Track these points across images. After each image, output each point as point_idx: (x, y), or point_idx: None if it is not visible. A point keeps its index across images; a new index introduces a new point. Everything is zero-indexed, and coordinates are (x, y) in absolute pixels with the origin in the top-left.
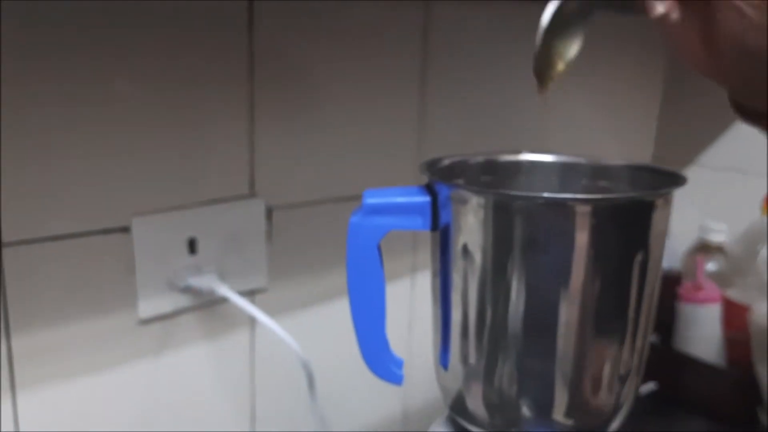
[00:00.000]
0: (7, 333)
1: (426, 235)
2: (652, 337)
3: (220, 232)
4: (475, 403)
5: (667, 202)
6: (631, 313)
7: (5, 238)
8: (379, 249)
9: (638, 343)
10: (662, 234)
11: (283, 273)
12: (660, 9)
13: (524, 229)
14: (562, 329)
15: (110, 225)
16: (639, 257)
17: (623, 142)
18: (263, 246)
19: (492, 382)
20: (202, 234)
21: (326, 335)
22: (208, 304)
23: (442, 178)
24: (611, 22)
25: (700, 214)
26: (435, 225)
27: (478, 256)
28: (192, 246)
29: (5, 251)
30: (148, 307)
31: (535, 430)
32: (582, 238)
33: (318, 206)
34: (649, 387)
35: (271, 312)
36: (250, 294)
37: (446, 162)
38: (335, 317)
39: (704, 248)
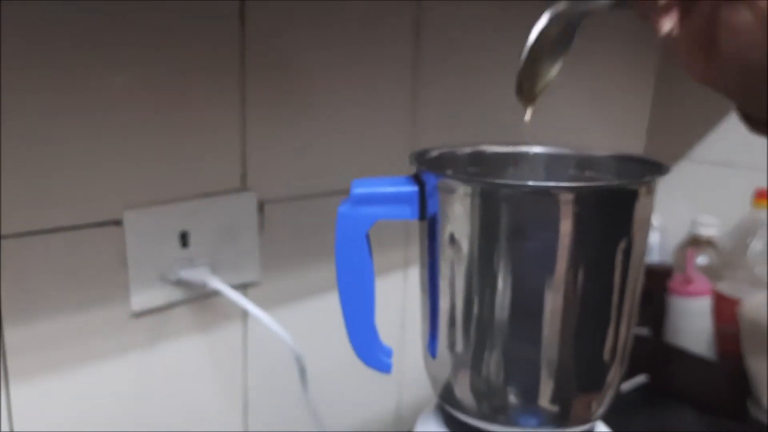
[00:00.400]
0: None
1: (418, 229)
2: (644, 330)
3: (212, 226)
4: (463, 391)
5: (650, 190)
6: (615, 300)
7: None
8: (367, 238)
9: (622, 330)
10: (645, 222)
11: (276, 266)
12: (667, 27)
13: (510, 217)
14: (547, 316)
15: (102, 218)
16: (622, 245)
17: (615, 137)
18: (255, 239)
19: (479, 370)
20: (194, 227)
21: (319, 328)
22: (201, 297)
23: (429, 169)
24: (603, 19)
25: (692, 209)
26: (423, 214)
27: (464, 245)
28: (184, 239)
29: None
30: (140, 300)
31: (521, 417)
32: (566, 226)
33: (310, 200)
34: (640, 379)
35: (263, 305)
36: (242, 287)
37: (434, 153)
38: (328, 310)
39: (695, 242)
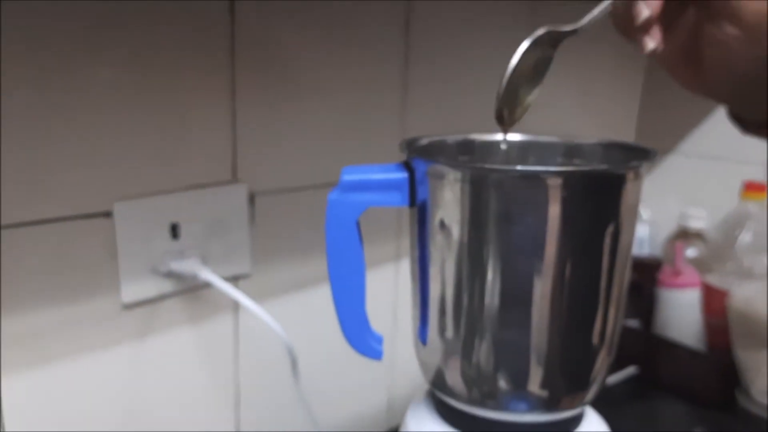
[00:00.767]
0: None
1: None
2: (634, 323)
3: (202, 218)
4: (454, 377)
5: (638, 175)
6: (603, 286)
7: None
8: (358, 226)
9: (611, 315)
10: (633, 208)
11: (267, 258)
12: (651, 45)
13: (499, 202)
14: (536, 301)
15: (92, 210)
16: (611, 229)
17: (604, 131)
18: (246, 231)
19: (469, 356)
20: (184, 219)
21: (310, 320)
22: (192, 289)
23: (419, 155)
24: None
25: (680, 202)
26: (413, 201)
27: (454, 231)
28: (174, 231)
29: None
30: (130, 291)
31: (511, 402)
32: (554, 211)
33: (301, 192)
34: (629, 371)
35: (254, 298)
36: (233, 279)
37: (424, 142)
38: (319, 303)
39: (684, 235)
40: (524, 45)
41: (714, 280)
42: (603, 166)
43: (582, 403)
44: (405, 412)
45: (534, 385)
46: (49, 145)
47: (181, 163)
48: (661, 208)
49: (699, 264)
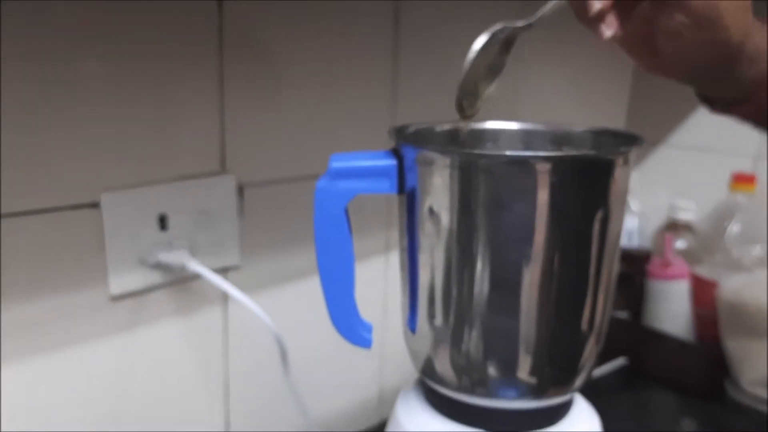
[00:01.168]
0: None
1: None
2: (623, 314)
3: (191, 209)
4: (443, 365)
5: (627, 161)
6: (592, 272)
7: None
8: (346, 213)
9: (600, 302)
10: (622, 194)
11: (256, 250)
12: (608, 33)
13: (488, 188)
14: (525, 288)
15: (79, 200)
16: (600, 215)
17: (593, 123)
18: (235, 223)
19: (459, 343)
20: (172, 210)
21: (299, 312)
22: (180, 280)
23: (408, 142)
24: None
25: (669, 193)
26: (401, 188)
27: (444, 217)
28: (163, 222)
29: None
30: (118, 283)
31: (501, 389)
32: (543, 196)
33: (290, 183)
34: (619, 362)
35: (243, 289)
36: (222, 271)
37: (412, 129)
38: (308, 294)
39: (673, 226)
40: (480, 40)
41: (703, 271)
42: (592, 152)
43: (571, 390)
44: (395, 401)
45: (523, 372)
46: (36, 136)
47: (170, 154)
48: (651, 200)
49: (688, 255)
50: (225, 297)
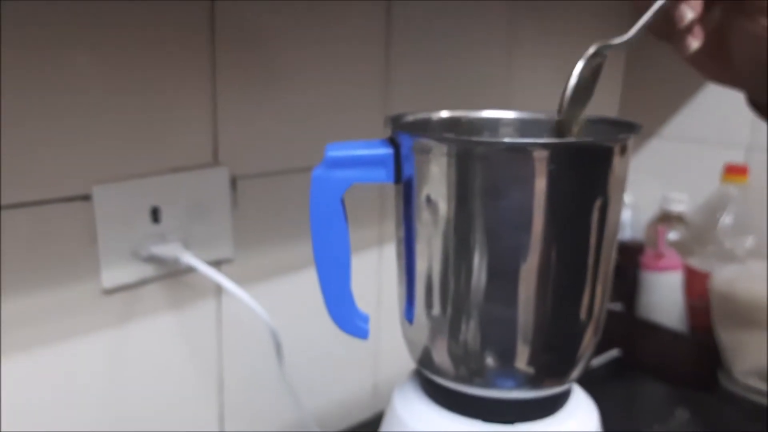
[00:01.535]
0: None
1: (393, 207)
2: (617, 306)
3: (184, 201)
4: (441, 355)
5: (624, 149)
6: (591, 261)
7: None
8: (342, 203)
9: (598, 291)
10: (620, 182)
11: (249, 242)
12: (695, 45)
13: (485, 176)
14: (523, 276)
15: (71, 193)
16: (598, 203)
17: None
18: (228, 215)
19: (456, 333)
20: (165, 203)
21: (294, 304)
22: (173, 273)
23: (405, 130)
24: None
25: (662, 185)
26: (398, 177)
27: (441, 206)
28: (155, 215)
29: None
30: (111, 276)
31: (498, 379)
32: (541, 184)
33: (283, 175)
34: (612, 354)
35: (237, 282)
36: (215, 264)
37: (409, 118)
38: (303, 286)
39: (665, 218)
40: (579, 66)
41: (696, 262)
42: (590, 139)
43: (569, 381)
44: (390, 394)
45: (521, 361)
46: (26, 127)
47: (162, 146)
48: (643, 192)
49: (681, 247)
50: (219, 290)
